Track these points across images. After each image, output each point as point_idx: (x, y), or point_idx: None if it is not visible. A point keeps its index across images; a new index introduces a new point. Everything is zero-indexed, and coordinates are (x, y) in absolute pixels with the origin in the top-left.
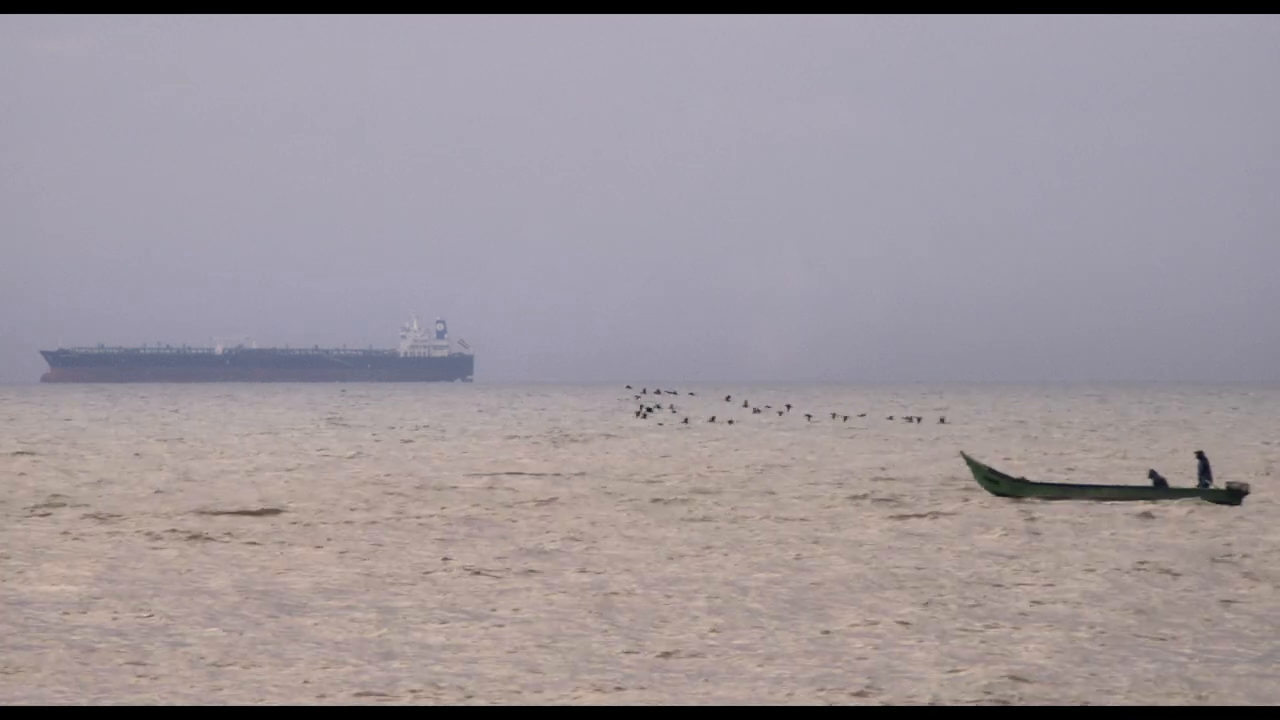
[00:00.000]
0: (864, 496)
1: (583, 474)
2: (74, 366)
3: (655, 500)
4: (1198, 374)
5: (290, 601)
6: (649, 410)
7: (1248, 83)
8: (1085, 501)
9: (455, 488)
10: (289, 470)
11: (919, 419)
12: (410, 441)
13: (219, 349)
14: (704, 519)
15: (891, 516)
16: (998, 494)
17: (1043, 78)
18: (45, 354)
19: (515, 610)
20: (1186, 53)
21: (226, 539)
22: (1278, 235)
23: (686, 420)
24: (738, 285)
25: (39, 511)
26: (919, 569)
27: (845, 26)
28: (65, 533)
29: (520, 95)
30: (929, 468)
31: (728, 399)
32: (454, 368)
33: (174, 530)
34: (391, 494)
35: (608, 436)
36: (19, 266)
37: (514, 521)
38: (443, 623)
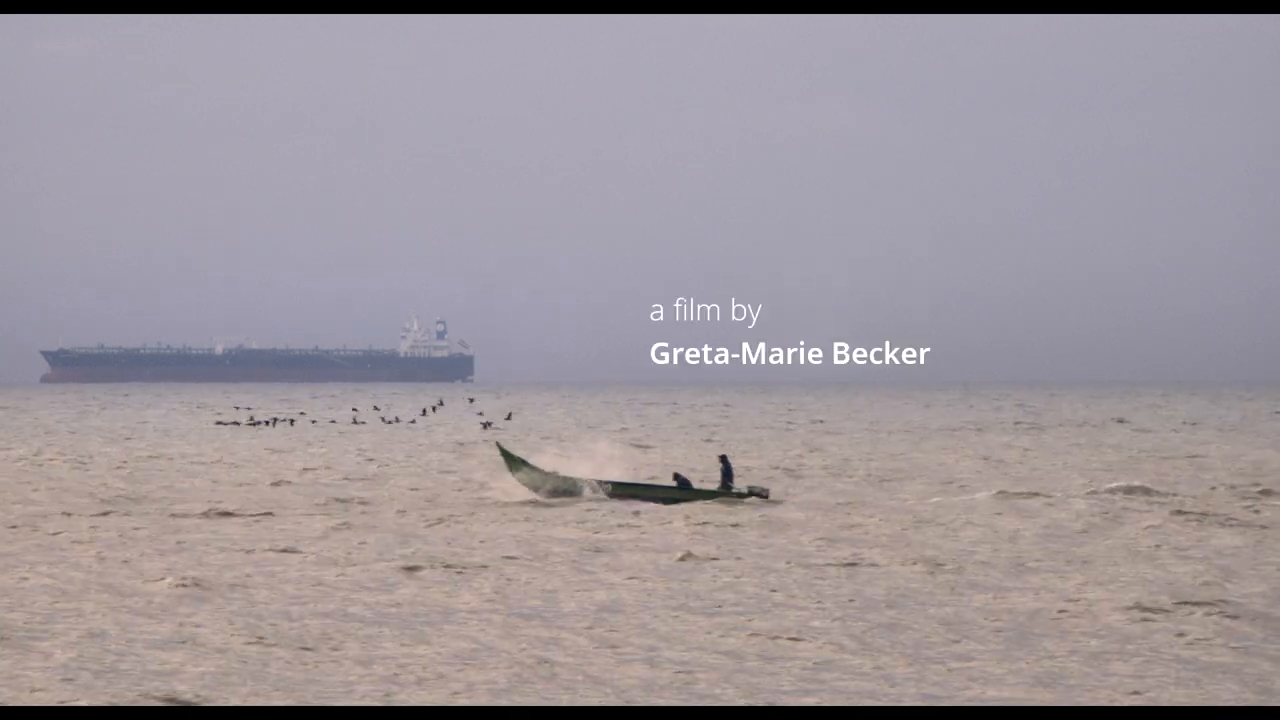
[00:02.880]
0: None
1: None
2: (74, 366)
3: None
4: (1198, 374)
5: None
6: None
7: (1248, 83)
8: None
9: None
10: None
11: (488, 420)
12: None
13: (219, 349)
14: None
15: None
16: (527, 484)
17: (1043, 78)
18: (45, 354)
19: None
20: (1186, 53)
21: None
22: (1278, 235)
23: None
24: (738, 286)
25: None
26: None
27: (845, 26)
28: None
29: (520, 95)
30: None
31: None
32: (454, 368)
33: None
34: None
35: None
36: (19, 266)
37: None
38: None
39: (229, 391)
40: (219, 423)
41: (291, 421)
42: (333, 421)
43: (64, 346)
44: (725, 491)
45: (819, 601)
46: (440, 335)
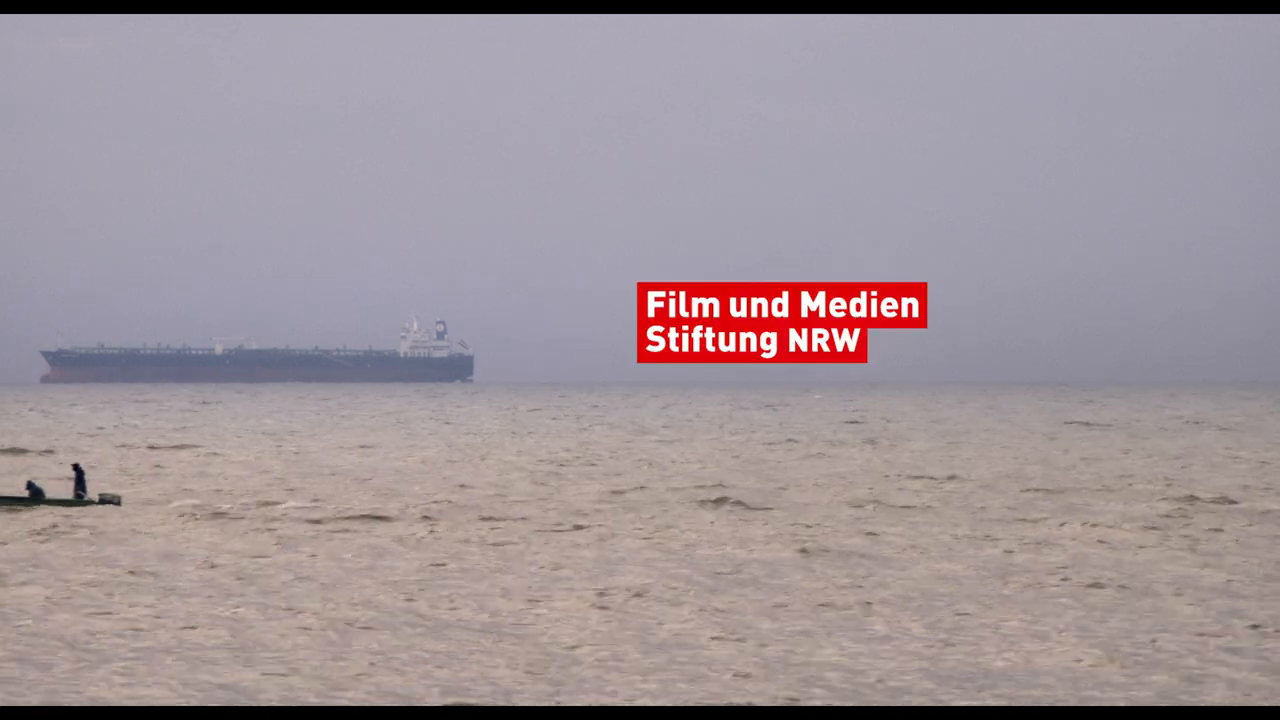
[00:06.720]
0: None
1: None
2: (74, 366)
3: None
4: (1199, 374)
5: None
6: None
7: (1248, 83)
8: None
9: None
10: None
11: None
12: None
13: (219, 349)
14: None
15: None
16: None
17: (1043, 78)
18: (45, 354)
19: None
20: (1186, 53)
21: None
22: (1278, 235)
23: None
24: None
25: None
26: None
27: (848, 26)
28: None
29: (522, 96)
30: None
31: None
32: (454, 368)
33: None
34: None
35: None
36: (19, 266)
37: None
38: None
39: (229, 392)
40: None
41: None
42: None
43: (64, 346)
44: (78, 500)
45: None
46: (440, 335)
